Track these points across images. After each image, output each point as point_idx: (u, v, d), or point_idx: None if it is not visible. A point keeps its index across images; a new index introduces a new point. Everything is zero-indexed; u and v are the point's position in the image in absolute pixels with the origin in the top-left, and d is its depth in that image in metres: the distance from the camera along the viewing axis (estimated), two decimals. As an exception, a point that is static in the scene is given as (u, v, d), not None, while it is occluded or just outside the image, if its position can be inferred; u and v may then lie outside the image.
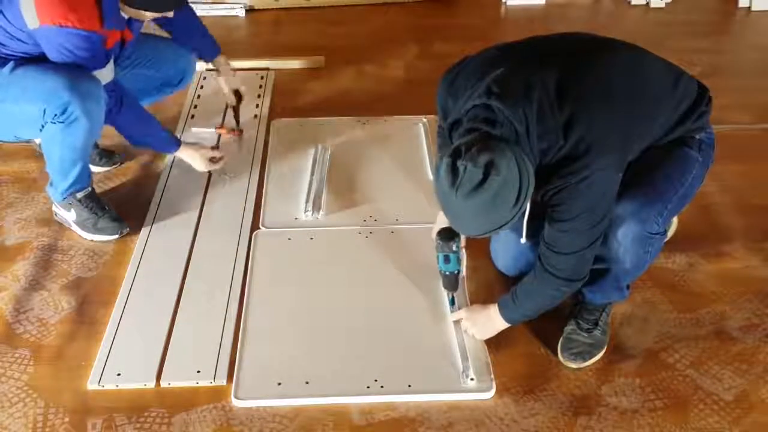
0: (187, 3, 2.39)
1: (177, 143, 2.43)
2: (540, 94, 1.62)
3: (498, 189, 1.50)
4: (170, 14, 2.22)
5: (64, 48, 2.06)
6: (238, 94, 2.74)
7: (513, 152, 1.53)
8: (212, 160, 2.52)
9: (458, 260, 1.98)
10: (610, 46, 1.79)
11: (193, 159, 2.48)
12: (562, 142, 1.62)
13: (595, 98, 1.66)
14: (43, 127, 2.13)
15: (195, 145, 2.50)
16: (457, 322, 2.02)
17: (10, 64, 2.11)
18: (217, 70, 2.69)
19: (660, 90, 1.78)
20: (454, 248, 1.95)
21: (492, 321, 1.93)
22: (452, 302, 2.06)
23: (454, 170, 1.52)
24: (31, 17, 2.01)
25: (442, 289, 2.09)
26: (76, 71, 2.08)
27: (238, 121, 2.80)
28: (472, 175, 1.49)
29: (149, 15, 2.16)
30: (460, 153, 1.52)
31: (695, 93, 1.83)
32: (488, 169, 1.49)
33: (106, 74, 2.16)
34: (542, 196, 1.69)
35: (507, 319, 1.91)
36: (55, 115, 2.09)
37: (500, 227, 1.59)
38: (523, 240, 1.81)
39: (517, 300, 1.87)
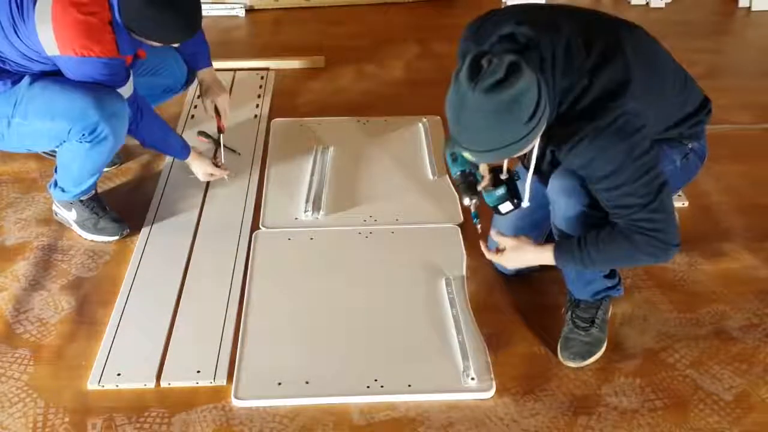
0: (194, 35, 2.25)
1: (189, 150, 2.43)
2: (569, 33, 1.59)
3: (517, 93, 1.45)
4: (175, 45, 2.21)
5: (87, 75, 2.05)
6: (217, 111, 2.60)
7: (535, 72, 1.49)
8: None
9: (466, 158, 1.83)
10: (633, 27, 1.76)
11: (197, 170, 2.48)
12: (586, 81, 1.57)
13: (626, 51, 1.62)
14: (63, 142, 2.13)
15: (202, 156, 2.49)
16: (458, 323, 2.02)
17: (27, 79, 2.09)
18: (201, 85, 2.59)
19: (671, 84, 1.76)
20: None
21: (535, 256, 1.86)
22: (476, 216, 1.92)
23: (476, 66, 1.46)
24: (50, 46, 1.99)
25: (442, 289, 2.09)
26: (101, 89, 2.07)
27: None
28: (495, 70, 1.44)
29: (153, 44, 2.13)
30: (485, 53, 1.47)
31: (699, 100, 1.82)
32: (512, 69, 1.44)
33: (126, 89, 2.16)
34: (570, 158, 1.63)
35: (560, 259, 1.81)
36: (83, 135, 2.09)
37: (507, 147, 1.52)
38: (525, 204, 1.76)
39: (588, 248, 1.73)
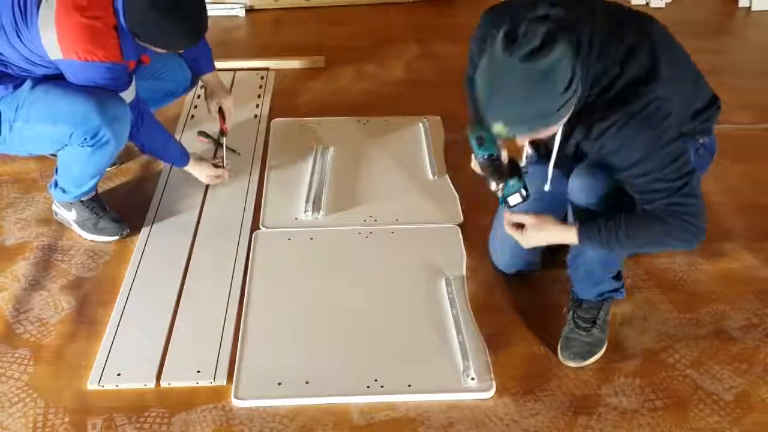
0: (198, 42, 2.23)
1: (188, 158, 2.43)
2: (602, 18, 1.60)
3: (553, 62, 1.44)
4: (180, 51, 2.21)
5: (90, 79, 2.05)
6: (221, 113, 2.62)
7: (570, 48, 1.48)
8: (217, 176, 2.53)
9: (493, 141, 1.79)
10: (649, 17, 1.76)
11: (199, 174, 2.49)
12: (618, 69, 1.57)
13: (654, 39, 1.62)
14: (65, 146, 2.13)
15: (202, 161, 2.50)
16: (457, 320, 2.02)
17: (28, 83, 2.09)
18: (204, 87, 2.60)
19: (691, 76, 1.76)
20: (486, 129, 1.72)
21: (557, 235, 1.83)
22: (502, 201, 1.86)
23: (512, 36, 1.45)
24: (53, 50, 1.98)
25: (442, 289, 2.09)
26: (103, 94, 2.07)
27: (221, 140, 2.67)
28: (531, 39, 1.44)
29: (158, 50, 2.12)
30: (519, 25, 1.46)
31: (709, 96, 1.83)
32: (547, 38, 1.44)
33: (129, 94, 2.15)
34: (599, 144, 1.63)
35: (584, 238, 1.78)
36: (85, 139, 2.09)
37: (540, 119, 1.51)
38: (547, 187, 1.75)
39: (616, 229, 1.71)
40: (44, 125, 2.09)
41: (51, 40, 1.96)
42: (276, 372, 1.90)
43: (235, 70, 3.26)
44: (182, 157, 2.42)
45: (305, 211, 2.43)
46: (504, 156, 1.84)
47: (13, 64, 2.06)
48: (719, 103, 1.85)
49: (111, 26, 1.99)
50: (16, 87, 2.08)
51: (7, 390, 1.88)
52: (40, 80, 2.10)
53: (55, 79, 2.09)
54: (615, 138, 1.61)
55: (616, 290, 1.99)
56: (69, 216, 2.35)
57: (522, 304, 2.13)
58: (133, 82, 2.17)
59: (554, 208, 1.92)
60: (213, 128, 2.74)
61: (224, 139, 2.62)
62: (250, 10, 3.87)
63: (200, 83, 2.59)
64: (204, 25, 2.12)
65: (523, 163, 1.89)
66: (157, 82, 2.48)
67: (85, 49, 1.97)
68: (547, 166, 1.79)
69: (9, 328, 2.06)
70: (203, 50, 2.50)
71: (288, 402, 1.84)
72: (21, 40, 2.00)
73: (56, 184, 2.31)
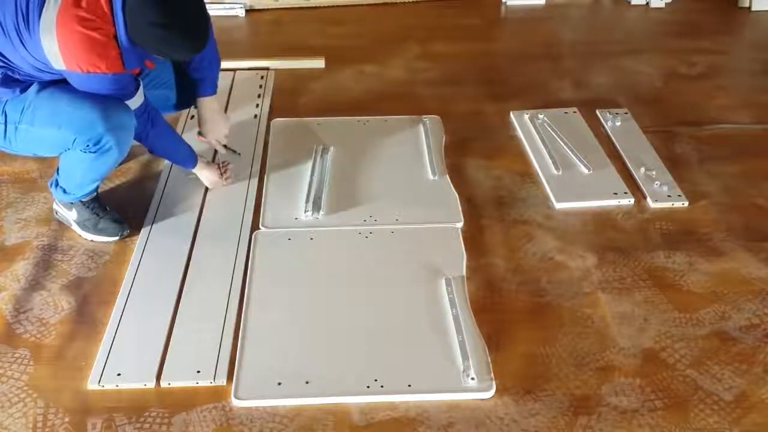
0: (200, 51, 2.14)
1: (196, 160, 2.44)
2: None
3: None
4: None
5: (95, 89, 2.05)
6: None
7: None
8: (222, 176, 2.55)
9: None
10: None
11: (204, 178, 2.51)
12: None
13: None
14: (67, 150, 2.14)
15: (210, 164, 2.52)
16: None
17: (35, 86, 2.09)
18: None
19: None
20: None
21: None
22: None
23: None
24: (56, 60, 1.97)
25: (442, 289, 2.09)
26: (109, 101, 2.07)
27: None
28: None
29: (159, 57, 2.12)
30: None
31: None
32: None
33: (136, 99, 2.16)
34: None
35: None
36: (88, 145, 2.10)
37: None
38: None
39: None
40: (48, 129, 2.09)
41: (53, 51, 1.95)
42: (276, 372, 1.90)
43: (235, 70, 3.26)
44: (191, 160, 2.43)
45: (305, 211, 2.43)
46: None
47: (20, 70, 2.06)
48: None
49: (111, 36, 1.97)
50: (23, 90, 2.09)
51: (7, 390, 1.88)
52: (46, 84, 2.10)
53: (61, 83, 2.09)
54: None
55: None
56: (69, 216, 2.35)
57: (522, 304, 2.13)
58: (141, 88, 2.17)
59: None
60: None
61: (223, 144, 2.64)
62: (250, 10, 3.88)
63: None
64: (205, 38, 2.08)
65: None
66: (166, 91, 2.49)
67: (87, 61, 1.96)
68: None
69: (9, 328, 2.06)
70: (211, 70, 2.48)
71: (288, 402, 1.84)
72: (26, 48, 1.99)
73: (57, 183, 2.31)
